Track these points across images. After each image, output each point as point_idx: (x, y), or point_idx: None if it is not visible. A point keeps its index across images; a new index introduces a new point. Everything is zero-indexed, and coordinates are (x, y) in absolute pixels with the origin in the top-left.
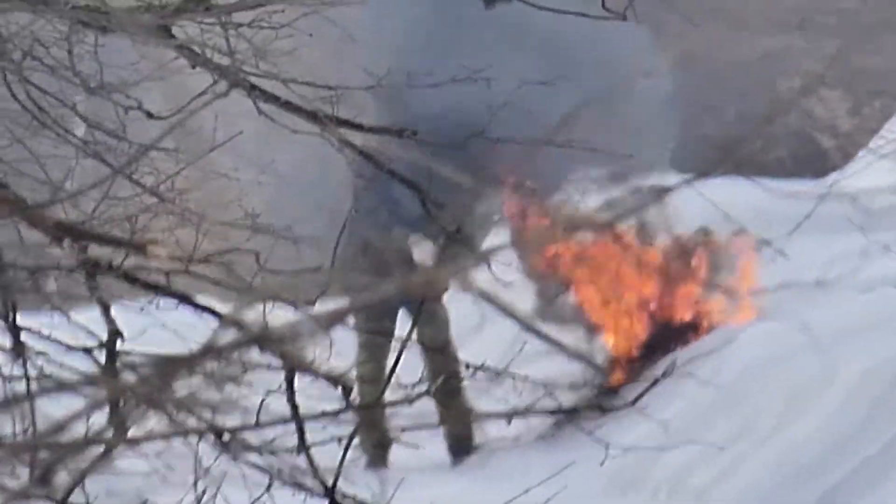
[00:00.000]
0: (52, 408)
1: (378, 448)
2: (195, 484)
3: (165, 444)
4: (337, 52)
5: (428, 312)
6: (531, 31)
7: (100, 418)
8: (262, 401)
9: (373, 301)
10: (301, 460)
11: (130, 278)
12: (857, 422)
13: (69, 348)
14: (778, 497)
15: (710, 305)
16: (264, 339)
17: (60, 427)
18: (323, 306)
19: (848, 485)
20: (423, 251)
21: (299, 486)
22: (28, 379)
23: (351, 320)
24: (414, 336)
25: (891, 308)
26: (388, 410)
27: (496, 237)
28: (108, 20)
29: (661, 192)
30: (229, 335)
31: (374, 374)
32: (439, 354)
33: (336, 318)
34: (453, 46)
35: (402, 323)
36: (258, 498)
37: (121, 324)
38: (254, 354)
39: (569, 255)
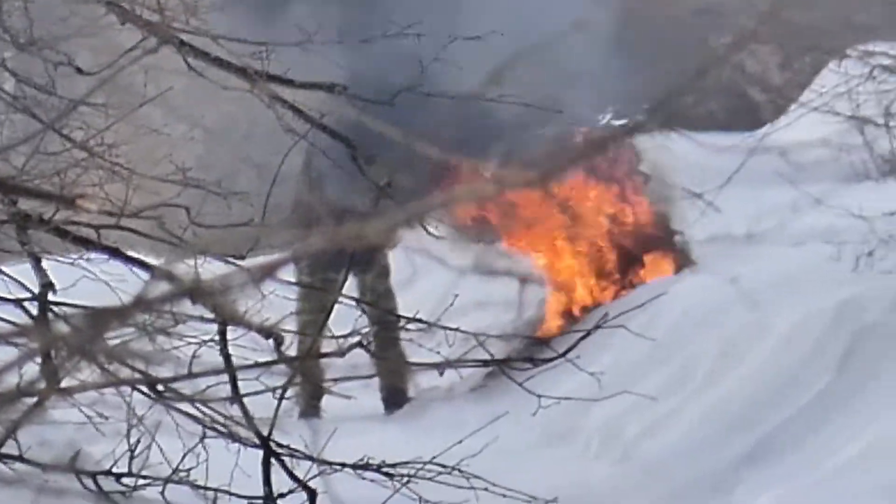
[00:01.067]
0: None
1: (311, 399)
2: (128, 434)
3: (98, 395)
4: (268, 7)
5: (368, 265)
6: None
7: (32, 369)
8: (195, 352)
9: (303, 254)
10: (235, 411)
11: (61, 232)
12: (788, 373)
13: (1, 300)
14: (710, 447)
15: (643, 258)
16: (196, 291)
17: None
18: (254, 260)
19: (780, 435)
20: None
21: (233, 437)
22: None
23: (292, 272)
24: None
25: (820, 261)
26: (323, 361)
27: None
28: None
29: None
30: (161, 288)
31: (313, 326)
32: (376, 306)
33: (268, 272)
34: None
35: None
36: (192, 448)
37: (52, 277)
38: (186, 307)
39: (501, 209)
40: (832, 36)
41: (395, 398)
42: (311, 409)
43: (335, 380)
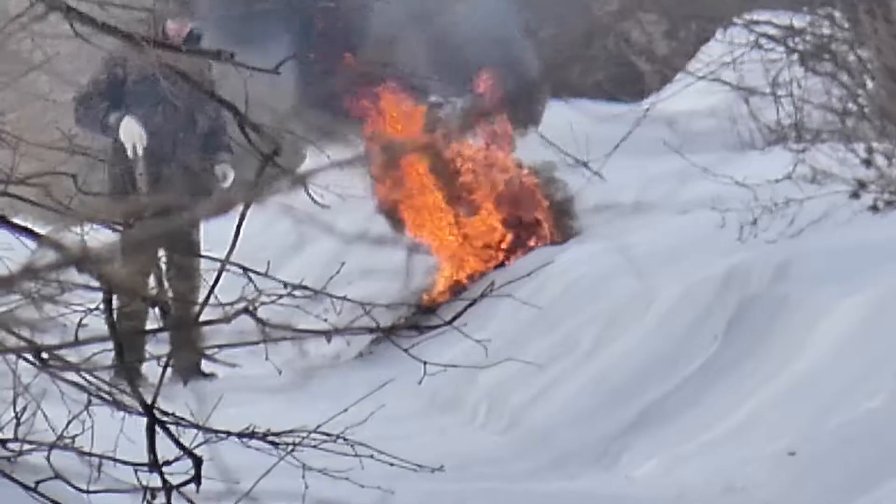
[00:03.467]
0: None
1: (192, 366)
2: (14, 401)
3: None
4: None
5: (176, 241)
6: None
7: None
8: (80, 320)
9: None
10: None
11: None
12: (674, 342)
13: None
14: (596, 415)
15: (529, 226)
16: (82, 259)
17: None
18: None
19: (665, 403)
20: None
21: (118, 405)
22: None
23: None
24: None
25: (707, 230)
26: (205, 329)
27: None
28: None
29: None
30: (48, 256)
31: (186, 292)
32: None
33: (154, 238)
34: None
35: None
36: (76, 415)
37: None
38: (72, 275)
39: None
40: (717, 4)
41: (190, 372)
42: (192, 376)
43: (219, 346)
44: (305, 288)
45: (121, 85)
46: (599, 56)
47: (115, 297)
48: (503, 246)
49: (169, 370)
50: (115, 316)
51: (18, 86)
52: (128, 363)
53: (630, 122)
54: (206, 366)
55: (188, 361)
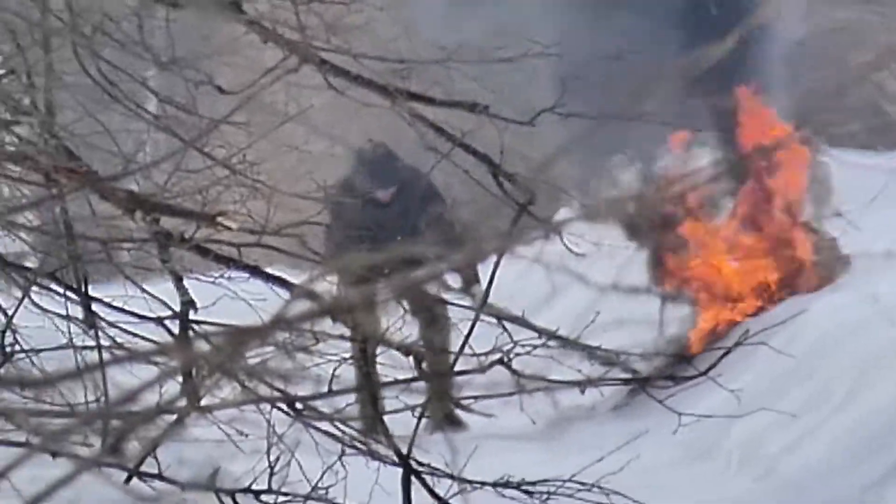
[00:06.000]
0: (124, 377)
1: (448, 416)
2: (268, 452)
3: (238, 413)
4: (408, 26)
5: (428, 313)
6: None
7: (172, 387)
8: (335, 370)
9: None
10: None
11: (203, 250)
12: None
13: (142, 318)
14: (849, 466)
15: (784, 276)
16: (336, 309)
17: (132, 396)
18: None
19: None
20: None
21: (372, 454)
22: (100, 349)
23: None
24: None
25: None
26: (458, 379)
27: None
28: None
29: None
30: (301, 306)
31: (439, 342)
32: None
33: (405, 289)
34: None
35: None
36: (331, 465)
37: (193, 295)
38: (326, 325)
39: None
40: None
41: (443, 422)
42: (448, 427)
43: (475, 397)
44: (559, 337)
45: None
46: (854, 105)
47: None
48: (761, 295)
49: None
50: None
51: (273, 137)
52: (380, 414)
53: (885, 172)
54: (459, 416)
55: (442, 411)
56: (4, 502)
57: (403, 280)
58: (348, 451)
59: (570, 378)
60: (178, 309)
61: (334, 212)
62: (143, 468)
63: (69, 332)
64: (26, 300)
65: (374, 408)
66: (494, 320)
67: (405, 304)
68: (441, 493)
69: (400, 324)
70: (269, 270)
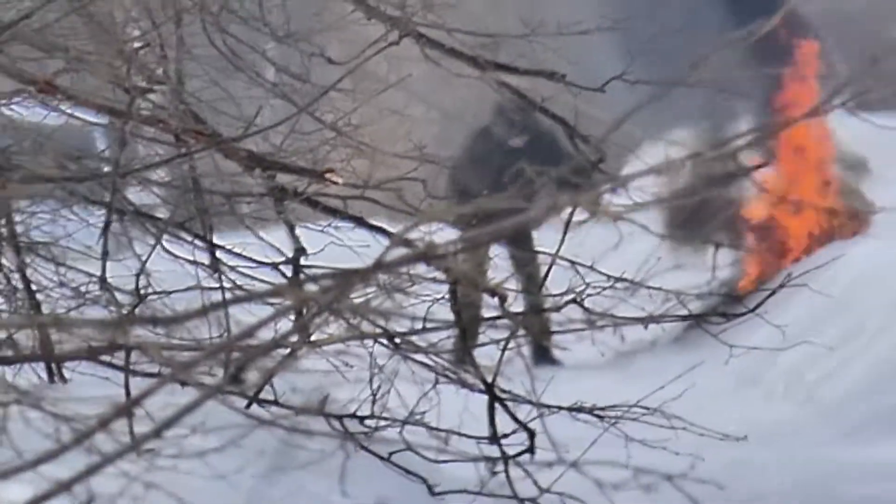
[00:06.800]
0: (244, 316)
1: (543, 353)
2: (370, 381)
3: (344, 347)
4: (496, 2)
5: (519, 239)
6: None
7: (286, 324)
8: (429, 308)
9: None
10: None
11: (313, 203)
12: None
13: (259, 263)
14: (881, 390)
15: (823, 227)
16: (429, 255)
17: (251, 332)
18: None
19: None
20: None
21: (462, 383)
22: (223, 290)
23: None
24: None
25: None
26: (543, 316)
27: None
28: None
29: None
30: (399, 252)
31: (524, 284)
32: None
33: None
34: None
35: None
36: (426, 393)
37: (304, 243)
38: (421, 269)
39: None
40: None
41: (541, 356)
42: (539, 359)
43: (553, 332)
44: (626, 280)
45: None
46: (888, 74)
47: (458, 288)
48: (803, 243)
49: (524, 355)
50: (458, 305)
51: (375, 103)
52: (469, 347)
53: None
54: (554, 353)
55: (540, 348)
56: (140, 426)
57: (499, 226)
58: (441, 380)
59: (634, 315)
60: (290, 255)
61: (469, 154)
62: (261, 395)
63: (196, 276)
64: (158, 247)
65: (463, 342)
66: (568, 265)
67: (507, 247)
68: (521, 417)
69: (493, 266)
70: (371, 221)
